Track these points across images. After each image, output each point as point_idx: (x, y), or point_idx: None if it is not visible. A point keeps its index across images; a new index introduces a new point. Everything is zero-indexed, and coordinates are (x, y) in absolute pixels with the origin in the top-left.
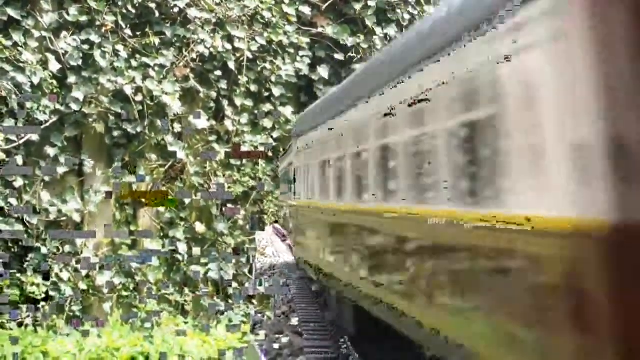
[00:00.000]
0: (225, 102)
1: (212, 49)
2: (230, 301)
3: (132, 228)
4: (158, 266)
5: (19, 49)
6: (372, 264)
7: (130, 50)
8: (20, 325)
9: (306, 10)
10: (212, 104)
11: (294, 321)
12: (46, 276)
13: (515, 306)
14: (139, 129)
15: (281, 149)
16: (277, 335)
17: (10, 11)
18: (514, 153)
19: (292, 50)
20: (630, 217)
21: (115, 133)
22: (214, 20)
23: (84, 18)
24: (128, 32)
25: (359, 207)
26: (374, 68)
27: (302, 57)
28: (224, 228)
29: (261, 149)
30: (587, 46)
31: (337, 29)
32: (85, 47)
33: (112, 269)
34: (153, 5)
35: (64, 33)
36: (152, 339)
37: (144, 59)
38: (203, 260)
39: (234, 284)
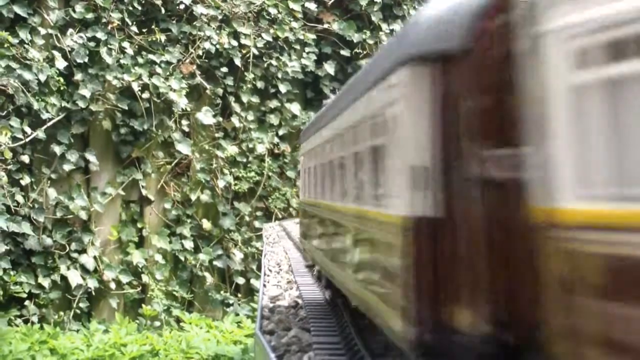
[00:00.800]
0: (231, 99)
1: (218, 46)
2: (239, 295)
3: (139, 225)
4: (164, 264)
5: (26, 46)
6: None
7: (137, 47)
8: (26, 322)
9: (312, 6)
10: (219, 101)
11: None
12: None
13: None
14: (145, 126)
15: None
16: (284, 331)
17: (17, 9)
18: None
19: (298, 47)
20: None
21: (122, 130)
22: (220, 17)
23: (90, 15)
24: (134, 29)
25: None
26: None
27: (308, 53)
28: (231, 224)
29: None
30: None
31: (343, 25)
32: (92, 44)
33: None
34: (159, 2)
35: (70, 30)
36: (160, 333)
37: (150, 56)
38: (209, 257)
39: (242, 279)
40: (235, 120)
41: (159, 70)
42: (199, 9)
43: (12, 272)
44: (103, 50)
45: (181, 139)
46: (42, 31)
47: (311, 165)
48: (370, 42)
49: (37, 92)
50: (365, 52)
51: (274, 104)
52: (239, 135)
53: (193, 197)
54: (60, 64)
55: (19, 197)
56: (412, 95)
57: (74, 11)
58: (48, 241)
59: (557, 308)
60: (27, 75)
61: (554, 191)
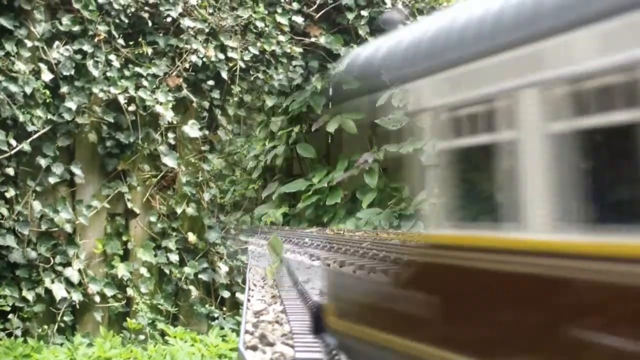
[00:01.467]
0: (218, 112)
1: (205, 59)
2: (224, 308)
3: (124, 239)
4: (149, 277)
5: (12, 58)
6: None
7: (123, 60)
8: (9, 335)
9: (299, 20)
10: (205, 114)
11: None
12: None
13: None
14: (131, 139)
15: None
16: (268, 347)
17: (3, 21)
18: None
19: (285, 60)
20: None
21: (108, 143)
22: (207, 30)
23: (76, 28)
24: (121, 41)
25: None
26: None
27: (295, 66)
28: (216, 238)
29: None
30: None
31: (330, 38)
32: (78, 56)
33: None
34: (146, 15)
35: (56, 43)
36: (144, 347)
37: (137, 69)
38: (194, 270)
39: (227, 293)
40: (221, 133)
41: (145, 83)
42: (186, 22)
43: None
44: (89, 63)
45: (167, 152)
46: (28, 43)
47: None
48: None
49: (22, 104)
50: None
51: (261, 117)
52: (226, 148)
53: (179, 210)
54: (46, 76)
55: (4, 210)
56: None
57: (61, 24)
58: (32, 254)
59: None
60: (13, 88)
61: None
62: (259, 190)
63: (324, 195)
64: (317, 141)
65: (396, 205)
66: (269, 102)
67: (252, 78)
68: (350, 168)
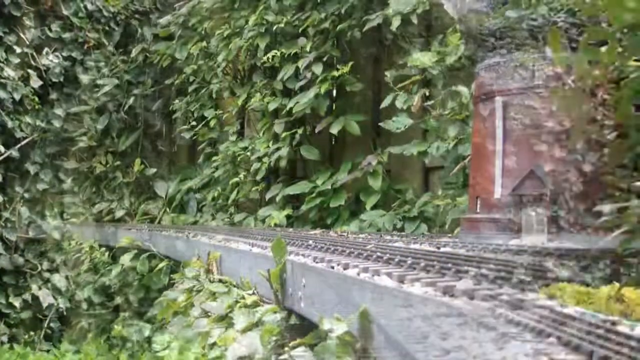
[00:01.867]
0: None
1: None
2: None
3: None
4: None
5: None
6: None
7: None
8: None
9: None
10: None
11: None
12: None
13: None
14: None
15: None
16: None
17: None
18: None
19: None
20: None
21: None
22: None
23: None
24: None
25: None
26: None
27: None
28: None
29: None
30: None
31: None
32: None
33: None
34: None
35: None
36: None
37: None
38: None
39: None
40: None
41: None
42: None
43: None
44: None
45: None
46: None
47: None
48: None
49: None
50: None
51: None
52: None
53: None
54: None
55: None
56: None
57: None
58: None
59: None
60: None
61: None
62: (263, 192)
63: (328, 197)
64: (321, 143)
65: (400, 207)
66: (272, 105)
67: (247, 85)
68: (353, 170)
